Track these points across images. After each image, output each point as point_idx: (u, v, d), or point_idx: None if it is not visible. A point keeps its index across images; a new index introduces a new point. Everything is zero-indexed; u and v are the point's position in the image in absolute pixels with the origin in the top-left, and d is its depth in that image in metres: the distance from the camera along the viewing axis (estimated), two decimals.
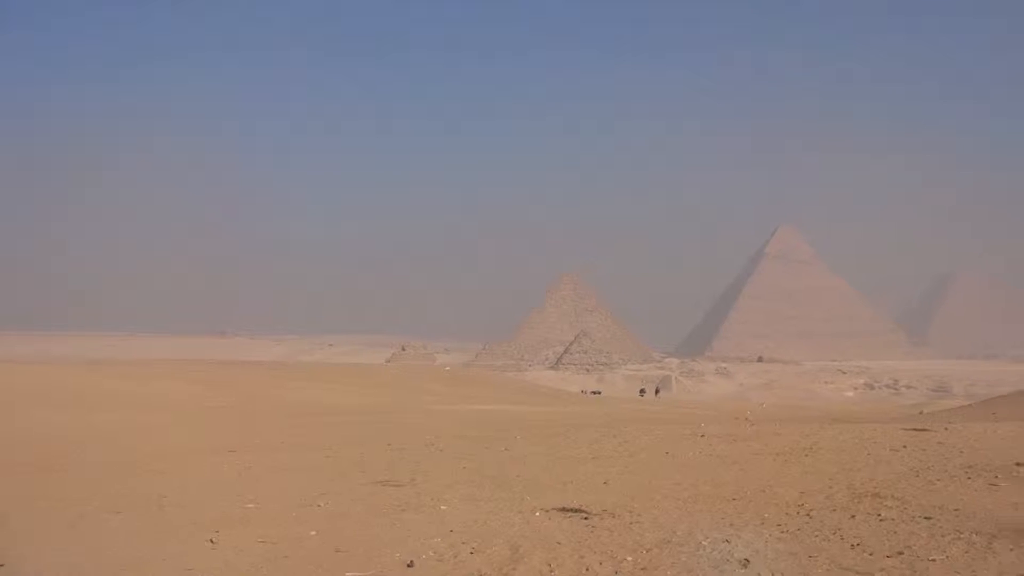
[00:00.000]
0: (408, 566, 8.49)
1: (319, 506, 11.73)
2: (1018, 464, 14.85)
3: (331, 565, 8.58)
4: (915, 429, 22.85)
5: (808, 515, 10.65)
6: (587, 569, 8.25)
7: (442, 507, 11.64)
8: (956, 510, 10.86)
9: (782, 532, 9.64)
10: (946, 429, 22.65)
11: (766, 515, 10.68)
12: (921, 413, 64.77)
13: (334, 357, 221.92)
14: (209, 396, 38.65)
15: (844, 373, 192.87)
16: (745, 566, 8.19)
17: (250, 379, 51.85)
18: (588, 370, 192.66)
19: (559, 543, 9.32)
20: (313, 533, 9.97)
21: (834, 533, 9.57)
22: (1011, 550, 8.62)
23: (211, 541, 9.55)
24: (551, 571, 8.22)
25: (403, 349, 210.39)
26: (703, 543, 9.14)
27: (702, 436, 20.96)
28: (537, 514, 10.96)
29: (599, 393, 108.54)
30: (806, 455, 16.74)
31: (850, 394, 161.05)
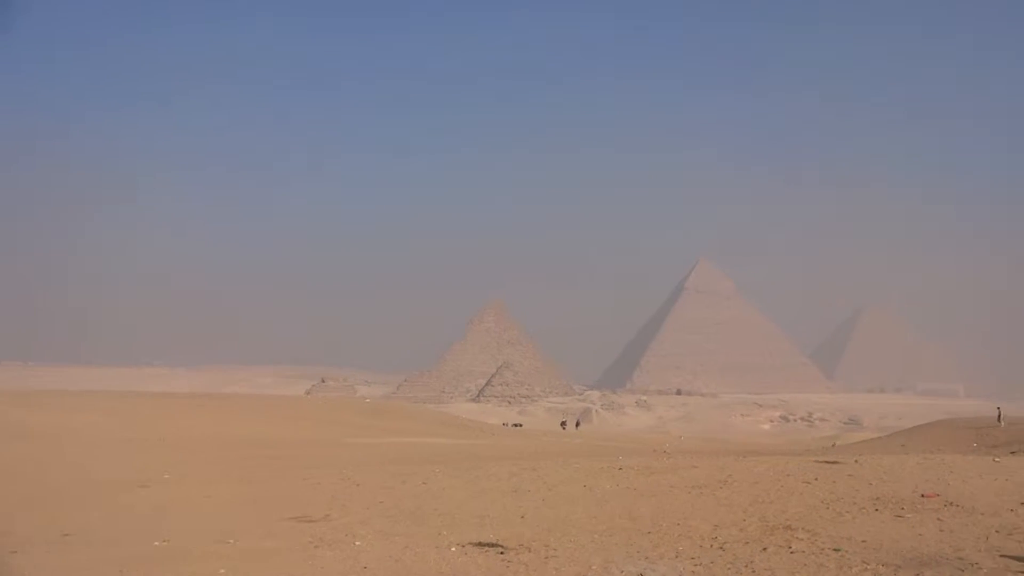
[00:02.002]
0: None
1: (230, 543, 11.42)
2: (923, 496, 15.29)
3: None
4: (827, 462, 23.37)
5: (721, 548, 10.76)
6: None
7: (357, 543, 11.45)
8: (864, 541, 11.10)
9: (696, 565, 9.72)
10: (856, 462, 23.21)
11: (680, 548, 10.75)
12: (833, 445, 66.27)
13: (254, 389, 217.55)
14: (123, 428, 37.53)
15: (760, 406, 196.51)
16: None
17: (165, 411, 50.50)
18: (510, 402, 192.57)
19: None
20: (222, 571, 9.70)
21: (746, 566, 9.68)
22: None
23: None
24: None
25: (323, 381, 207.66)
26: None
27: (620, 469, 21.09)
28: (453, 549, 10.86)
29: (520, 426, 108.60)
30: (721, 488, 16.94)
31: (766, 427, 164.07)
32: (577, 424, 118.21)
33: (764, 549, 10.65)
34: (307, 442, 37.55)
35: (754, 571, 9.41)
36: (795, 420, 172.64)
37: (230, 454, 28.93)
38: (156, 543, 11.42)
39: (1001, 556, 10.03)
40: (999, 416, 63.18)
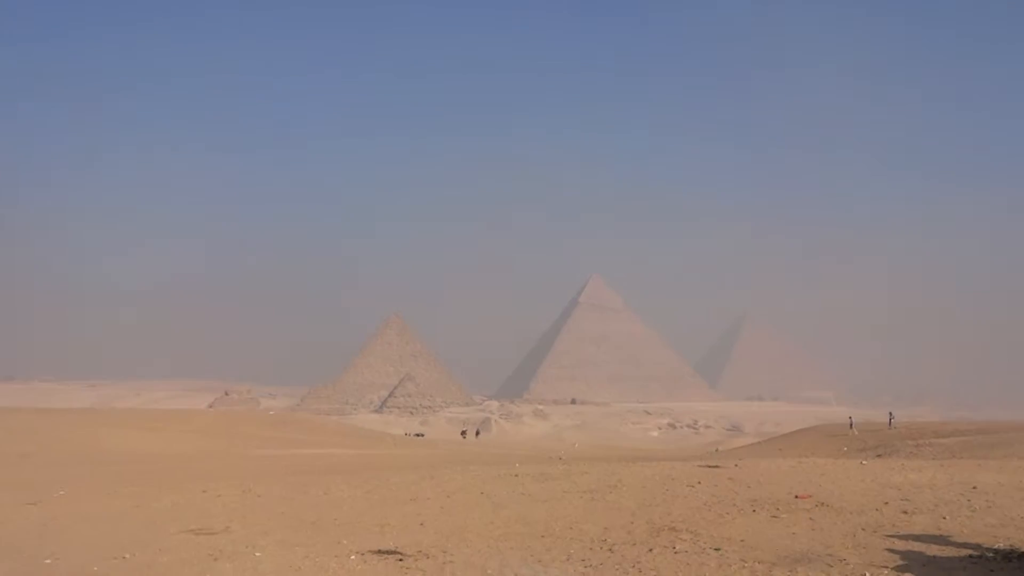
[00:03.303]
0: None
1: (124, 558, 10.93)
2: (797, 497, 15.75)
3: None
4: (709, 466, 23.87)
5: (610, 550, 10.84)
6: None
7: (257, 554, 11.11)
8: (742, 541, 11.35)
9: (586, 567, 9.77)
10: (736, 466, 23.77)
11: (572, 551, 10.80)
12: (716, 451, 67.99)
13: (154, 403, 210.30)
14: (12, 443, 35.77)
15: (649, 414, 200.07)
16: None
17: (59, 425, 48.36)
18: (412, 413, 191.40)
19: None
20: None
21: (633, 566, 9.77)
22: (788, 575, 9.06)
23: None
24: None
25: (226, 394, 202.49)
26: None
27: (516, 476, 21.10)
28: (352, 557, 10.66)
29: (422, 435, 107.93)
30: (611, 492, 17.11)
31: (655, 433, 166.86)
32: (477, 433, 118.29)
33: (650, 550, 10.77)
34: (208, 455, 36.48)
35: (641, 571, 9.51)
36: (681, 427, 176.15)
37: (127, 468, 27.87)
38: (46, 561, 10.86)
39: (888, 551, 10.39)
40: (851, 423, 66.07)
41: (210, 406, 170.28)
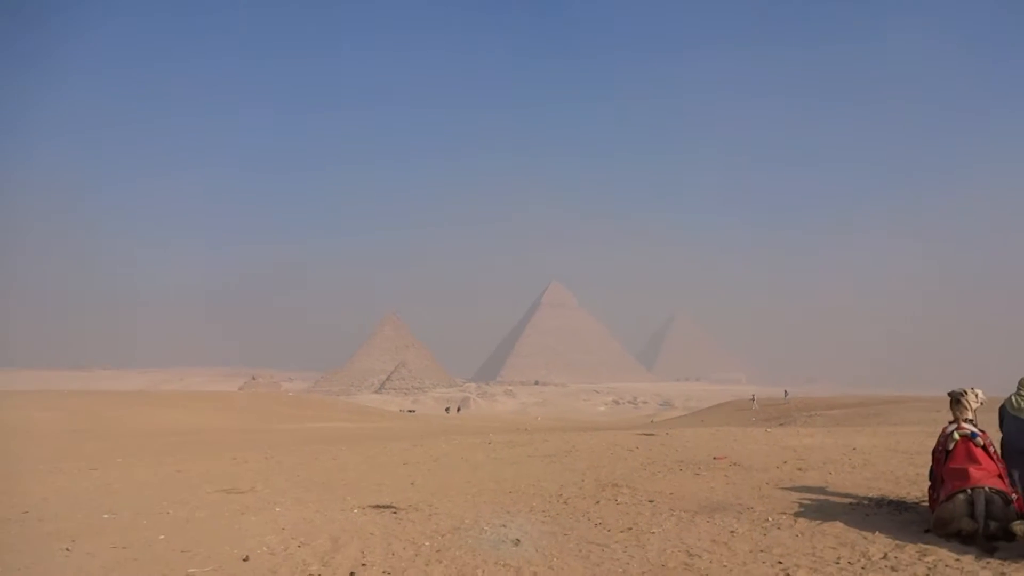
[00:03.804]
0: (244, 560, 7.94)
1: (168, 514, 10.79)
2: (715, 458, 15.86)
3: (176, 564, 7.89)
4: (645, 434, 23.95)
5: (565, 502, 10.86)
6: (393, 554, 8.02)
7: (277, 509, 11.01)
8: (671, 494, 11.41)
9: (545, 517, 9.78)
10: (667, 434, 23.87)
11: (534, 504, 10.81)
12: (652, 422, 68.35)
13: (193, 387, 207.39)
14: (74, 421, 35.13)
15: (598, 392, 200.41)
16: (517, 544, 8.23)
17: (114, 406, 47.57)
18: (405, 393, 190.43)
19: (372, 534, 9.03)
20: (161, 537, 9.15)
21: (583, 515, 9.80)
22: (707, 521, 9.13)
23: (67, 550, 8.56)
24: (364, 557, 7.93)
25: (253, 379, 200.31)
26: (485, 528, 9.12)
27: (490, 443, 21.07)
28: (355, 511, 10.58)
29: (414, 412, 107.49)
30: (566, 456, 17.14)
31: (602, 408, 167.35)
32: (459, 409, 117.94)
33: (597, 502, 10.81)
34: (238, 429, 36.05)
35: (589, 519, 9.53)
36: (624, 403, 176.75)
37: (171, 441, 27.49)
38: (104, 516, 10.69)
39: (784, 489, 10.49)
40: (752, 399, 66.76)
41: (240, 389, 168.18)
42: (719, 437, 21.55)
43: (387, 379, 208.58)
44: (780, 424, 37.56)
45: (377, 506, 10.97)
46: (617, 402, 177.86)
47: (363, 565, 7.57)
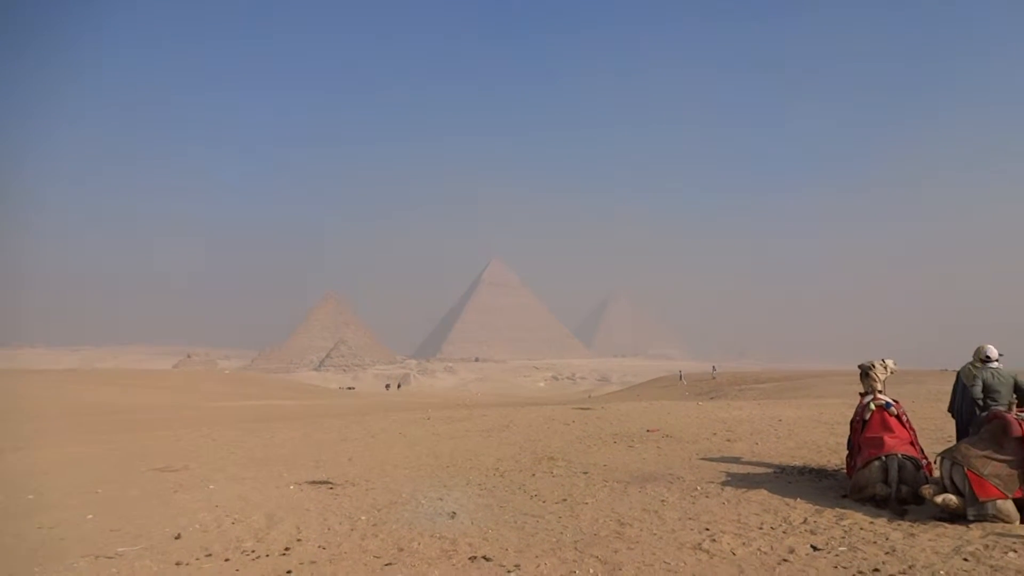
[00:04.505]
0: (176, 538, 7.76)
1: (98, 492, 10.46)
2: (648, 431, 16.19)
3: (105, 543, 7.66)
4: (582, 408, 24.29)
5: (502, 475, 10.94)
6: (329, 529, 7.95)
7: (211, 487, 10.77)
8: (605, 465, 11.61)
9: (482, 490, 9.83)
10: (603, 408, 24.26)
11: (471, 477, 10.85)
12: (589, 397, 69.30)
13: (127, 365, 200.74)
14: (4, 400, 33.65)
15: (537, 368, 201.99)
16: (453, 517, 8.26)
17: (44, 384, 45.74)
18: (345, 371, 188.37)
19: (308, 510, 8.93)
20: (90, 517, 8.86)
21: (519, 488, 9.89)
22: (639, 491, 9.32)
23: None
24: (299, 532, 7.84)
25: (188, 356, 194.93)
26: (422, 502, 9.13)
27: (428, 419, 21.05)
28: (291, 488, 10.45)
29: (353, 388, 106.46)
30: (504, 430, 17.25)
31: (541, 384, 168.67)
32: (399, 386, 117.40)
33: (533, 475, 10.92)
34: (173, 407, 35.09)
35: (525, 491, 9.63)
36: (562, 379, 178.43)
37: (103, 419, 26.60)
38: (29, 496, 10.30)
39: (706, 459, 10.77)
40: (680, 375, 68.47)
41: (175, 367, 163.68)
42: (653, 410, 21.99)
43: (327, 356, 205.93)
44: (711, 398, 38.55)
45: (314, 482, 10.86)
46: (556, 378, 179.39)
47: (299, 540, 7.49)
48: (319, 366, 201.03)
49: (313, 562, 6.70)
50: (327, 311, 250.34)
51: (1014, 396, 8.83)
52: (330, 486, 10.48)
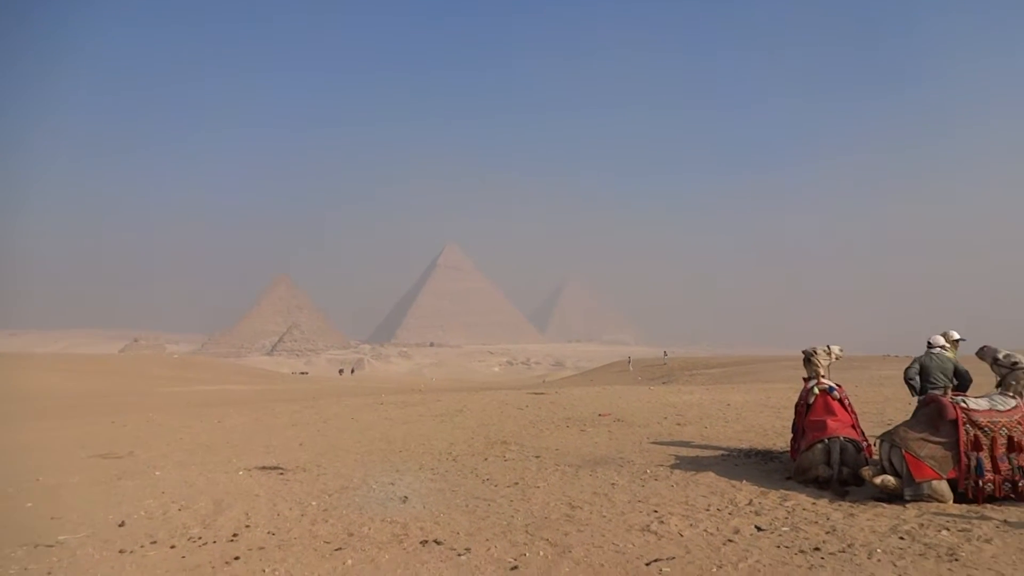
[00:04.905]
0: (120, 526, 7.58)
1: (38, 480, 10.16)
2: (600, 415, 16.36)
3: (45, 531, 7.44)
4: (535, 393, 24.43)
5: (454, 460, 10.95)
6: (278, 514, 7.86)
7: (157, 473, 10.55)
8: (557, 449, 11.71)
9: (434, 474, 9.83)
10: (557, 392, 24.44)
11: (424, 462, 10.84)
12: (543, 382, 69.68)
13: (71, 349, 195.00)
14: None
15: (492, 354, 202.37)
16: (404, 501, 8.24)
17: None
18: (298, 355, 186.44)
19: (257, 495, 8.81)
20: (29, 505, 8.61)
21: (472, 472, 9.91)
22: (590, 475, 9.42)
23: None
24: (248, 518, 7.73)
25: (136, 340, 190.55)
26: (373, 487, 9.09)
27: (381, 404, 20.95)
28: (240, 473, 10.29)
29: (306, 373, 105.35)
30: (458, 415, 17.27)
31: (496, 369, 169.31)
32: (352, 371, 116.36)
33: (486, 459, 10.95)
34: (118, 392, 34.28)
35: (477, 475, 9.66)
36: (517, 364, 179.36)
37: (45, 404, 25.85)
38: None
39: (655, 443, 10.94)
40: (629, 361, 69.37)
41: (121, 351, 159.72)
42: (605, 395, 22.23)
43: (279, 341, 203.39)
44: (663, 383, 39.11)
45: (263, 467, 10.71)
46: (511, 363, 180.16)
47: (247, 527, 7.39)
48: (271, 351, 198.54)
49: (262, 548, 6.62)
50: (279, 295, 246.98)
51: (953, 381, 9.17)
52: (280, 471, 10.36)
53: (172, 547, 6.73)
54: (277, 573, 5.92)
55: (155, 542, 6.90)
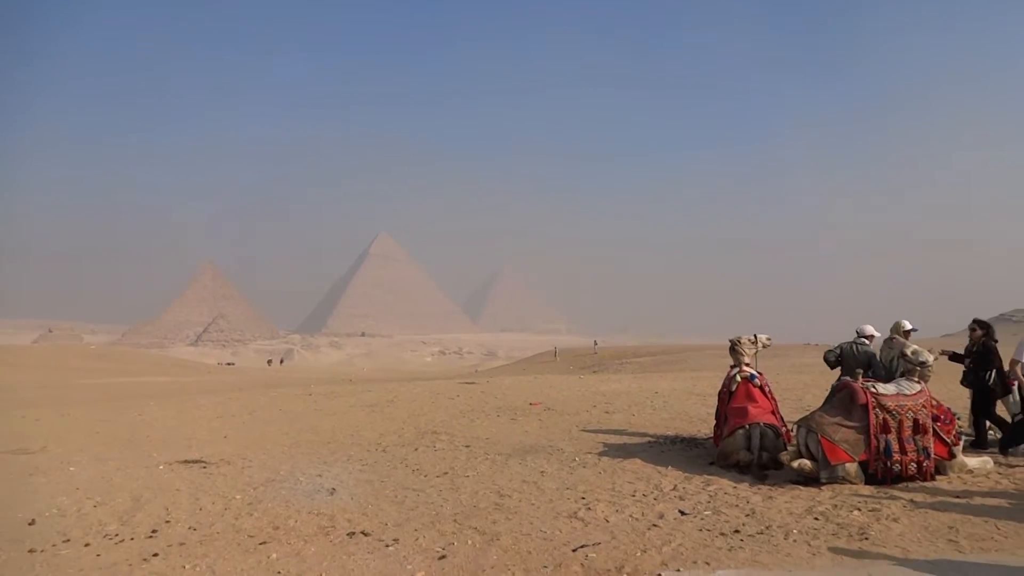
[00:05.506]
0: (30, 524, 7.25)
1: None
2: (531, 404, 16.49)
3: None
4: (467, 383, 24.45)
5: (384, 451, 10.87)
6: (201, 509, 7.65)
7: (71, 468, 10.12)
8: (487, 438, 11.75)
9: (363, 465, 9.74)
10: (488, 382, 24.52)
11: (352, 453, 10.73)
12: (475, 371, 69.79)
13: None
14: None
15: (425, 343, 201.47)
16: (332, 493, 8.14)
17: None
18: (224, 346, 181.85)
19: (178, 490, 8.55)
20: None
21: (401, 462, 9.86)
22: (519, 463, 9.50)
23: None
24: (168, 513, 7.50)
25: (50, 331, 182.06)
26: (300, 479, 8.94)
27: (310, 395, 20.61)
28: (161, 467, 9.97)
29: (233, 364, 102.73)
30: (388, 405, 17.13)
31: (429, 359, 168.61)
32: (281, 361, 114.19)
33: (416, 449, 10.91)
34: (31, 385, 32.73)
35: (407, 465, 9.61)
36: (449, 354, 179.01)
37: None
38: None
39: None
40: (555, 352, 70.22)
41: (34, 342, 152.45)
42: (537, 384, 22.42)
43: (204, 331, 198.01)
44: (594, 372, 39.67)
45: (186, 461, 10.40)
46: (443, 353, 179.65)
47: (167, 522, 7.16)
48: (196, 341, 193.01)
49: (182, 544, 6.43)
50: (204, 284, 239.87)
51: (867, 371, 9.64)
52: (203, 465, 10.08)
53: (87, 545, 6.47)
54: (198, 569, 5.77)
55: (68, 540, 6.62)
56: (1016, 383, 9.64)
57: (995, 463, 8.55)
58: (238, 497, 8.12)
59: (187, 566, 5.83)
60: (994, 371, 9.64)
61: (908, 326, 10.12)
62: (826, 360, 10.09)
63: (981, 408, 9.70)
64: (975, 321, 10.03)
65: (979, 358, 9.77)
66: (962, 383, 10.08)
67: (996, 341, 9.96)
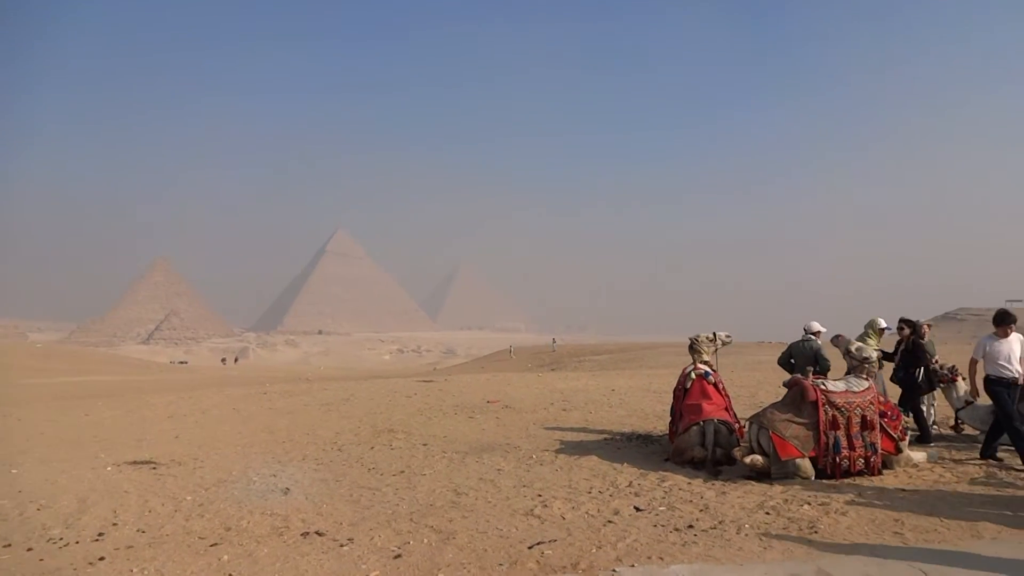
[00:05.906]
0: None
1: None
2: (488, 401, 16.49)
3: None
4: (425, 381, 24.35)
5: (339, 449, 10.76)
6: (150, 511, 7.46)
7: (13, 471, 9.79)
8: (444, 436, 11.71)
9: (318, 464, 9.62)
10: (446, 380, 24.44)
11: (308, 452, 10.59)
12: (434, 369, 69.49)
13: None
14: None
15: (383, 341, 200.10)
16: (286, 493, 8.02)
17: None
18: (177, 344, 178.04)
19: (126, 492, 8.34)
20: None
21: (357, 461, 9.77)
22: (476, 461, 9.49)
23: None
24: (116, 516, 7.30)
25: None
26: (254, 479, 8.79)
27: (265, 394, 20.28)
28: (108, 469, 9.70)
29: (186, 363, 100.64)
30: (344, 404, 16.95)
31: (387, 357, 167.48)
32: (236, 360, 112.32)
33: (372, 448, 10.82)
34: None
35: (363, 464, 9.53)
36: (408, 352, 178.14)
37: None
38: None
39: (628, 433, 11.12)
40: (511, 350, 70.49)
41: None
42: (495, 382, 22.43)
43: (156, 329, 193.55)
44: (552, 369, 39.83)
45: (135, 462, 10.14)
46: (402, 351, 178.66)
47: (114, 525, 6.98)
48: (147, 339, 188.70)
49: (130, 547, 6.27)
50: (155, 280, 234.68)
51: (815, 367, 9.88)
52: (153, 466, 9.85)
53: (29, 550, 6.27)
54: (146, 572, 5.63)
55: (9, 545, 6.41)
56: (960, 378, 9.98)
57: (940, 457, 8.84)
58: (189, 498, 7.95)
59: (135, 569, 5.68)
60: (922, 368, 10.00)
61: (883, 324, 10.37)
62: (780, 364, 10.37)
63: (907, 403, 10.06)
64: (903, 320, 10.38)
65: (907, 356, 10.12)
66: (891, 380, 10.44)
67: (923, 339, 10.30)
